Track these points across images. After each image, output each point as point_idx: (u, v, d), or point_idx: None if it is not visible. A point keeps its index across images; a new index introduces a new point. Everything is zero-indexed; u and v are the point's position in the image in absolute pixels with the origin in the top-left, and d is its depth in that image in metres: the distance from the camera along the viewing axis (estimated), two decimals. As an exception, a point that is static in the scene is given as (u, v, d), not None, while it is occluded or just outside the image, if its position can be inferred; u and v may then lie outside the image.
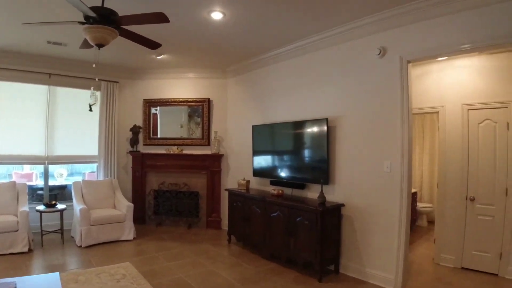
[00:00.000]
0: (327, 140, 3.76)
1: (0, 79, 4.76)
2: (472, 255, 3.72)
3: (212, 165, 5.64)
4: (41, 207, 4.47)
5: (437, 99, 4.02)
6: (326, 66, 3.98)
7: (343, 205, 3.66)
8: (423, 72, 4.16)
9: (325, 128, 3.76)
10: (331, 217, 3.57)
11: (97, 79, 4.26)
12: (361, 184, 3.56)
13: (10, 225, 3.96)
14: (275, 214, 3.98)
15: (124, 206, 4.86)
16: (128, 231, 4.80)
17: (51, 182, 5.87)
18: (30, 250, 4.08)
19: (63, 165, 7.34)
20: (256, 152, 4.87)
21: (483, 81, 3.70)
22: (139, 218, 5.72)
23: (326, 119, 3.77)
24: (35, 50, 4.65)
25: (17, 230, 3.99)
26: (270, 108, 4.84)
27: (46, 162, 5.20)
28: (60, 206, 4.63)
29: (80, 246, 4.36)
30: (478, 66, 3.74)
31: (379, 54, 3.38)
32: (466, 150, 3.78)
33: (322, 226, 3.41)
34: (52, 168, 5.72)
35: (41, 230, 4.43)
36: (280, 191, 4.19)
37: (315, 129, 3.95)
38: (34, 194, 5.79)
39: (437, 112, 4.05)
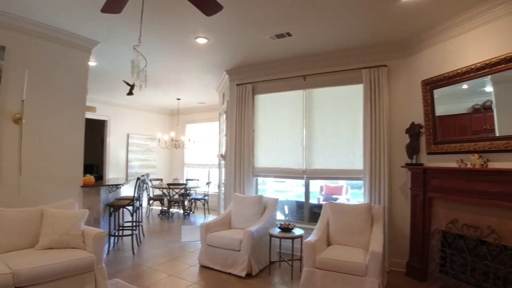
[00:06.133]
0: None
1: (260, 92, 5.00)
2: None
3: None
4: (274, 231, 3.84)
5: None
6: None
7: None
8: None
9: None
10: None
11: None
12: None
13: (233, 243, 3.79)
14: None
15: (369, 252, 3.06)
16: (369, 292, 2.97)
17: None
18: (247, 275, 3.67)
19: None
20: None
21: None
22: (416, 270, 3.73)
23: None
24: (270, 52, 4.40)
25: (239, 250, 3.71)
26: None
27: (305, 176, 4.59)
28: (297, 231, 3.77)
29: (300, 291, 3.31)
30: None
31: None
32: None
33: None
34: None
35: (270, 256, 4.03)
36: None
37: None
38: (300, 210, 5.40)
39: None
